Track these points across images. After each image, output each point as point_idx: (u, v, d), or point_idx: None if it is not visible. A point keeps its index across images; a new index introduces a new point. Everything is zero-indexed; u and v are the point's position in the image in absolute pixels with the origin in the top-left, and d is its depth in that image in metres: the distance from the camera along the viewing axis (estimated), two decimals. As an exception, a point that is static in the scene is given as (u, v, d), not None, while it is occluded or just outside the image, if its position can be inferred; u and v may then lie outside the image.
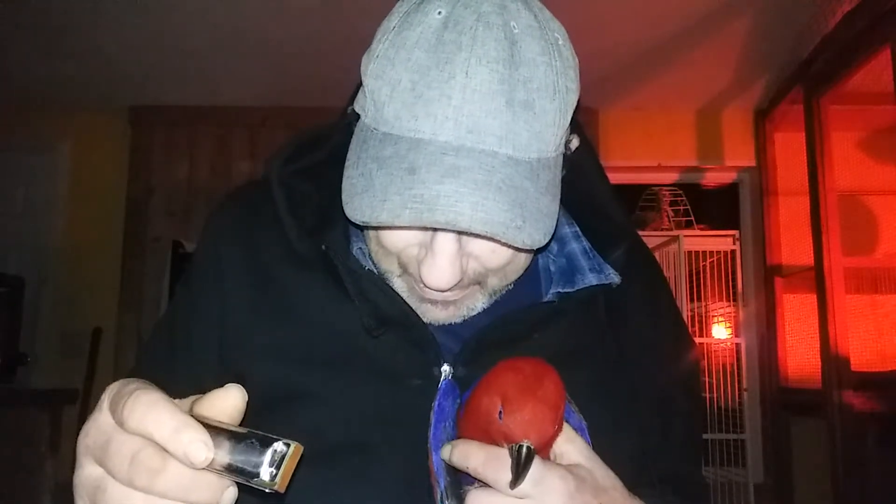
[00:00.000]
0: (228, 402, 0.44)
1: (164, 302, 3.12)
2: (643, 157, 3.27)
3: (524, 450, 0.51)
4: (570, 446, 0.57)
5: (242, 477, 0.41)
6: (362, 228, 0.67)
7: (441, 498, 0.59)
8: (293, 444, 0.42)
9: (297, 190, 0.69)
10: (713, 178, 3.44)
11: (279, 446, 0.41)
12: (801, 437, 2.73)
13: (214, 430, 0.42)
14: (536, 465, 0.52)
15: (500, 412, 0.53)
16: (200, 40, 2.70)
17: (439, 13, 0.57)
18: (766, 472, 3.09)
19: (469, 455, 0.55)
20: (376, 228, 0.63)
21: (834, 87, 2.33)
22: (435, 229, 0.59)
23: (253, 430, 0.43)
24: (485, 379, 0.56)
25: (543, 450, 0.55)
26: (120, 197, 3.22)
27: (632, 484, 0.60)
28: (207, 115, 3.26)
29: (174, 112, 3.26)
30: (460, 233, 0.58)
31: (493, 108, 0.55)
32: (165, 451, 0.41)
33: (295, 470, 0.42)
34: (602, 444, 0.60)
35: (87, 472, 0.44)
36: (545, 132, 0.58)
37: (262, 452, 0.41)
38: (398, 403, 0.64)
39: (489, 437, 0.55)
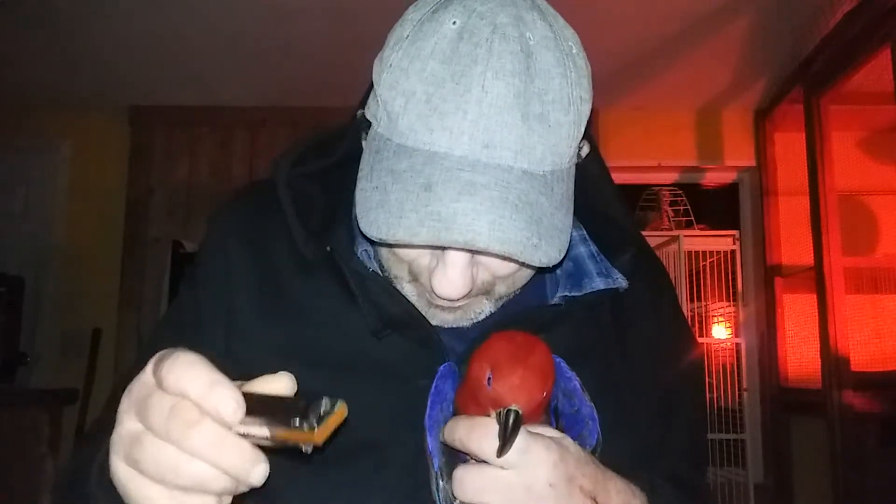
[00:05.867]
0: (278, 388, 0.45)
1: (164, 302, 3.11)
2: (643, 157, 3.27)
3: (511, 414, 0.51)
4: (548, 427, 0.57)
5: (282, 427, 0.42)
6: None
7: (436, 478, 0.58)
8: (339, 403, 0.42)
9: (303, 192, 0.69)
10: (713, 178, 3.44)
11: (325, 401, 0.42)
12: (801, 437, 2.73)
13: (261, 396, 0.43)
14: (522, 436, 0.52)
15: (489, 378, 0.53)
16: (201, 41, 2.70)
17: (454, 23, 0.57)
18: (766, 472, 3.09)
19: (454, 428, 0.55)
20: (391, 246, 0.62)
21: (834, 86, 2.33)
22: None
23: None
24: (477, 350, 0.56)
25: (531, 420, 0.54)
26: (120, 197, 3.21)
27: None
28: (207, 115, 3.25)
29: (174, 112, 3.25)
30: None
31: (508, 122, 0.55)
32: (201, 408, 0.42)
33: (333, 433, 0.42)
34: (603, 441, 0.60)
35: (127, 427, 0.45)
36: (560, 145, 0.58)
37: (306, 406, 0.42)
38: (405, 403, 0.63)
39: (480, 407, 0.54)
